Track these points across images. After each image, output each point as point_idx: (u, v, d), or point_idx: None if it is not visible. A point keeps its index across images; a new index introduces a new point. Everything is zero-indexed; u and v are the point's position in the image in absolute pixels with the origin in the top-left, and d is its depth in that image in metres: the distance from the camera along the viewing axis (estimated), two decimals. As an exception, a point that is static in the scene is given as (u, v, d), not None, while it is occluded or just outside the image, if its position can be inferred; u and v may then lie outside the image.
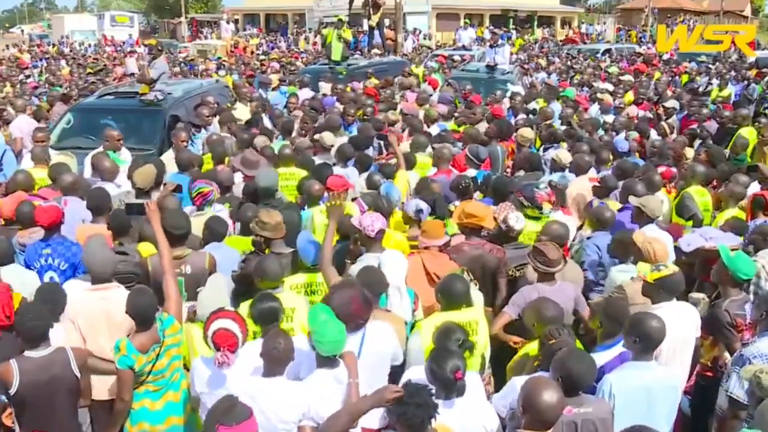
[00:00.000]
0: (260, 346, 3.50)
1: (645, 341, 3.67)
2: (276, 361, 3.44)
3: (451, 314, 4.14)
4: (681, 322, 4.26)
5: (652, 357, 3.75)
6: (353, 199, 6.10)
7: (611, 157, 7.73)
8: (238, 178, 6.66)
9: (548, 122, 9.67)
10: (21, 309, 3.80)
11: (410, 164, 7.10)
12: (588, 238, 5.65)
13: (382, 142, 8.41)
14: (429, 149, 7.72)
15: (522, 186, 5.92)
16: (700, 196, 6.51)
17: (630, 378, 3.66)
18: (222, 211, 5.67)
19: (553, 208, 5.69)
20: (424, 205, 5.41)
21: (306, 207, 5.96)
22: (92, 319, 4.12)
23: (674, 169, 7.27)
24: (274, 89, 13.30)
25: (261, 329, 3.88)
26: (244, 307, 4.25)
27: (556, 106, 10.82)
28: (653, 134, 9.36)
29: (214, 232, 5.15)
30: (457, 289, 4.20)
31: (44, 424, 3.62)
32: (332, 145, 7.65)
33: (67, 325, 4.12)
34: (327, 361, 3.52)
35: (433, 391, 3.08)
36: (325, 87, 12.51)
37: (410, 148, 7.72)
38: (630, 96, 12.58)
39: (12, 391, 3.54)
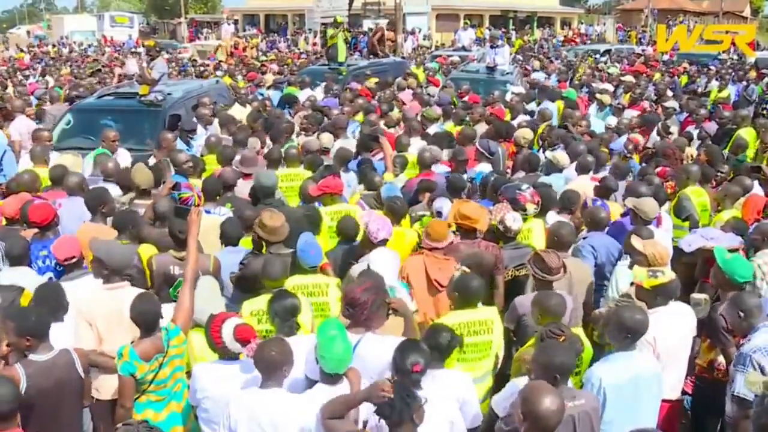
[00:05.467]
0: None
1: (627, 332, 3.71)
2: (271, 366, 3.33)
3: (466, 313, 4.15)
4: (677, 324, 4.26)
5: (635, 347, 3.78)
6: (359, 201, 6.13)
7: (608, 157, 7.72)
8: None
9: (547, 123, 9.65)
10: (20, 310, 3.74)
11: (401, 167, 7.10)
12: (583, 238, 5.56)
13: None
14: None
15: (504, 188, 5.80)
16: (697, 197, 6.51)
17: (618, 370, 3.69)
18: (227, 214, 5.65)
19: (536, 207, 5.56)
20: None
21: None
22: (109, 318, 4.08)
23: (669, 169, 7.25)
24: (269, 88, 13.27)
25: (277, 326, 3.85)
26: (247, 307, 4.25)
27: (553, 107, 10.79)
28: (653, 134, 9.36)
29: (228, 235, 5.12)
30: (473, 287, 4.19)
31: (50, 427, 3.57)
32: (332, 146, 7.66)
33: (82, 326, 4.07)
34: (330, 377, 3.42)
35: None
36: (328, 88, 12.50)
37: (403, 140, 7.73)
38: (628, 97, 12.56)
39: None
